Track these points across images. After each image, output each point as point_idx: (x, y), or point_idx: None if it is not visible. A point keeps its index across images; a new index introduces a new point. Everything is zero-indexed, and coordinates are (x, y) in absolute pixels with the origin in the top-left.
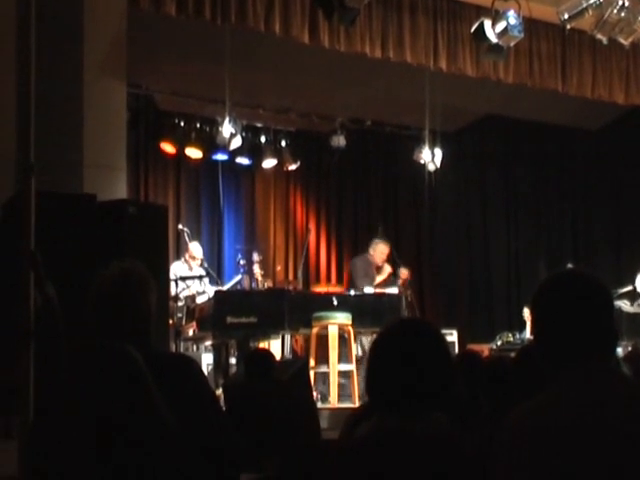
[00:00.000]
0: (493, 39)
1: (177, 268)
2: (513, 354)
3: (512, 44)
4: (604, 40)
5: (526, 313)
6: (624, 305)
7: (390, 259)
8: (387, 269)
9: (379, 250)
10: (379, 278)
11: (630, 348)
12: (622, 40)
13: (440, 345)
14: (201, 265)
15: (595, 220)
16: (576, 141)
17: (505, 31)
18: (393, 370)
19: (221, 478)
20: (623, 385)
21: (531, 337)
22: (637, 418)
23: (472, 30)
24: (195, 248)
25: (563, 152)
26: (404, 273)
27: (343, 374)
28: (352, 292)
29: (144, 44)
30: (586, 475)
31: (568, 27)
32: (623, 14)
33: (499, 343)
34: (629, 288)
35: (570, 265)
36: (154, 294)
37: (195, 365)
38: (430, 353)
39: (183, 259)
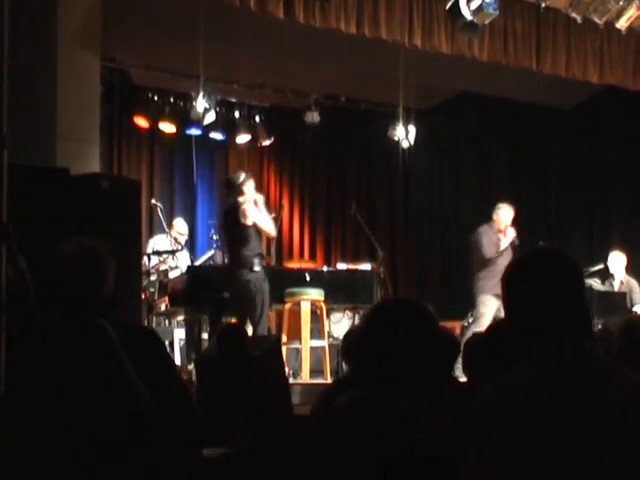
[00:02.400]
0: (468, 16)
1: (160, 242)
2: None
3: (487, 22)
4: (578, 19)
5: None
6: (595, 283)
7: (515, 224)
8: (510, 233)
9: (501, 214)
10: (504, 243)
11: (600, 326)
12: (596, 19)
13: (430, 325)
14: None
15: (568, 198)
16: (551, 119)
17: (480, 8)
18: (379, 344)
19: (183, 451)
20: (593, 363)
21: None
22: (607, 396)
23: (447, 7)
24: (180, 224)
25: (538, 130)
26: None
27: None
28: (325, 268)
29: (119, 18)
30: (554, 452)
31: (543, 5)
32: None
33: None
34: (600, 267)
35: (542, 243)
36: (113, 268)
37: (155, 336)
38: (418, 332)
39: (167, 234)
